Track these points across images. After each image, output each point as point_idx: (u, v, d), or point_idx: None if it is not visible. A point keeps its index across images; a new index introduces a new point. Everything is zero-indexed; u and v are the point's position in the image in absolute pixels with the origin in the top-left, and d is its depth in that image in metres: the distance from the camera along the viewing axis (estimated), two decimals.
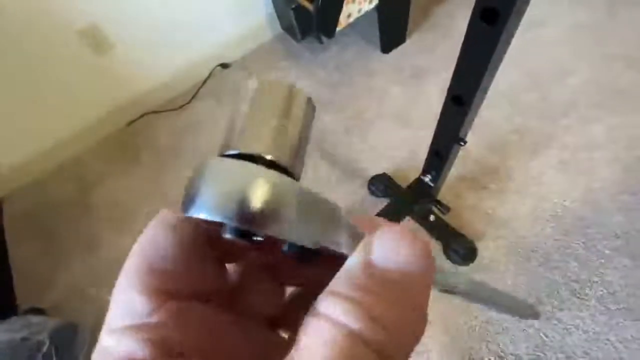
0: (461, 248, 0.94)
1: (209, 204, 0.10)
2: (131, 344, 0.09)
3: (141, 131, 1.46)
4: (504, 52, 0.46)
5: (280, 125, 0.12)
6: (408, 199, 0.94)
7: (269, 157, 0.11)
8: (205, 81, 1.53)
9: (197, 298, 0.11)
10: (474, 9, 0.41)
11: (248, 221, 0.10)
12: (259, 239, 0.11)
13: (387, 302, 0.09)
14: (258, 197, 0.10)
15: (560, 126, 1.12)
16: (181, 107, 1.48)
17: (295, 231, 0.10)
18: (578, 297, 0.87)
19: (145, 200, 1.27)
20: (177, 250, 0.11)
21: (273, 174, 0.10)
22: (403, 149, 1.17)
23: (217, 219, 0.10)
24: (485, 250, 0.96)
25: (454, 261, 0.95)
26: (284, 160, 0.12)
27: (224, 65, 1.56)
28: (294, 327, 0.13)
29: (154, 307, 0.10)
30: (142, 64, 1.38)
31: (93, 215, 1.28)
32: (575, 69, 1.21)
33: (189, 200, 0.11)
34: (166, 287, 0.11)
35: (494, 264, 0.94)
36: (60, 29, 1.14)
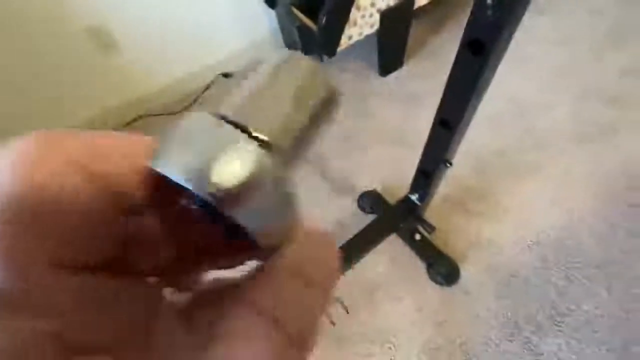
0: (444, 269, 0.95)
1: (182, 163, 0.08)
2: None
3: (139, 133, 1.47)
4: (489, 80, 0.50)
5: (293, 109, 0.10)
6: (395, 216, 0.96)
7: (266, 138, 0.09)
8: (206, 89, 1.57)
9: (82, 267, 0.09)
10: (462, 39, 0.45)
11: (220, 197, 0.08)
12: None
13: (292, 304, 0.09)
14: (242, 174, 0.08)
15: (544, 155, 1.16)
16: (180, 112, 1.50)
17: (256, 221, 0.09)
18: (555, 324, 0.88)
19: None
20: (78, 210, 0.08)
21: (267, 156, 0.09)
22: (394, 167, 1.21)
23: (186, 183, 0.08)
24: (468, 272, 0.98)
25: (436, 281, 0.96)
26: (282, 150, 0.10)
27: (226, 75, 1.59)
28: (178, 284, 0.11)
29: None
30: (144, 67, 1.41)
31: None
32: (559, 103, 1.28)
33: (159, 151, 0.09)
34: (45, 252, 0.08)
35: (475, 287, 0.96)
36: (68, 23, 1.16)
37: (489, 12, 0.40)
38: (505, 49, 0.45)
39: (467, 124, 0.59)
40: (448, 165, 0.68)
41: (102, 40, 1.24)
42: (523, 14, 0.40)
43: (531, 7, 1.25)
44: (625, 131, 1.18)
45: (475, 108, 0.55)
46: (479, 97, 0.52)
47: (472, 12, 0.42)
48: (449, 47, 1.51)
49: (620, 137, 1.17)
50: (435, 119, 0.60)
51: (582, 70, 1.36)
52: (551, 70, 1.38)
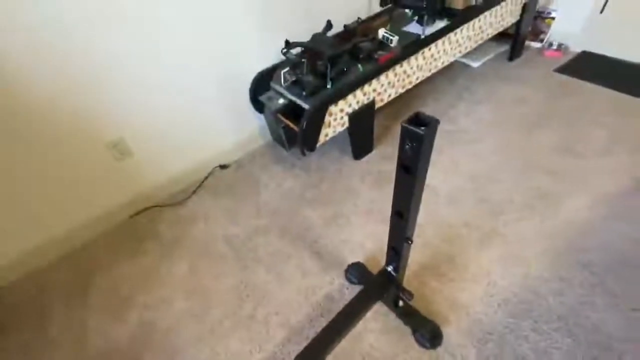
0: (428, 332, 1.06)
1: None
2: None
3: (143, 223, 1.62)
4: (422, 187, 0.70)
5: None
6: (378, 286, 1.09)
7: None
8: (204, 179, 1.78)
9: None
10: (397, 164, 0.66)
11: None
12: None
13: None
14: None
15: (499, 222, 1.36)
16: (182, 202, 1.69)
17: None
18: None
19: (140, 289, 1.36)
20: None
21: None
22: (374, 240, 1.37)
23: None
24: (449, 333, 1.08)
25: (422, 344, 1.06)
26: None
27: (223, 166, 1.83)
28: None
29: None
30: (152, 167, 1.62)
31: (88, 303, 1.34)
32: (507, 176, 1.53)
33: None
34: None
35: (457, 347, 1.05)
36: (91, 140, 1.39)
37: (409, 151, 0.62)
38: (425, 168, 0.66)
39: (416, 213, 0.78)
40: (410, 242, 0.85)
41: (119, 150, 1.47)
42: (430, 152, 0.62)
43: (471, 98, 1.65)
44: (564, 194, 1.42)
45: (418, 203, 0.75)
46: (419, 197, 0.72)
47: (399, 147, 0.64)
48: None
49: (559, 202, 1.40)
50: (392, 210, 0.79)
51: (520, 147, 1.66)
52: (495, 149, 1.67)
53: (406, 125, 0.59)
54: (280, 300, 1.24)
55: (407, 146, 0.61)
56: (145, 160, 1.58)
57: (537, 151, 1.62)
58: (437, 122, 0.60)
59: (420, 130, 0.58)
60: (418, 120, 0.60)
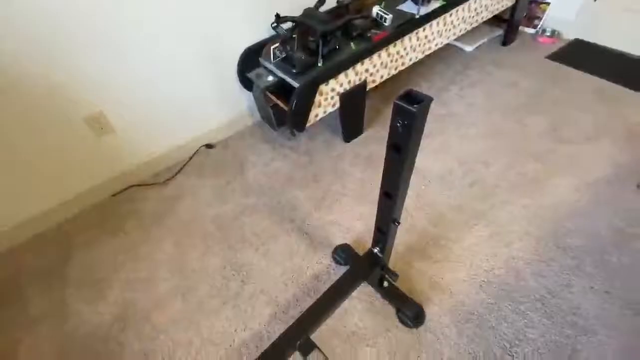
0: (411, 312, 1.08)
1: None
2: None
3: (125, 202, 1.58)
4: (411, 167, 0.69)
5: None
6: (364, 267, 1.10)
7: None
8: (190, 159, 1.73)
9: None
10: (387, 143, 0.65)
11: None
12: None
13: None
14: None
15: (486, 205, 1.38)
16: (166, 181, 1.64)
17: None
18: (509, 354, 1.01)
19: (120, 268, 1.33)
20: None
21: None
22: (361, 222, 1.37)
23: None
24: (432, 313, 1.11)
25: (405, 323, 1.08)
26: None
27: (209, 146, 1.78)
28: None
29: None
30: (135, 144, 1.56)
31: (67, 282, 1.31)
32: (495, 160, 1.54)
33: None
34: None
35: (439, 326, 1.08)
36: (68, 114, 1.32)
37: (400, 129, 0.60)
38: (416, 147, 0.65)
39: (404, 194, 0.77)
40: (397, 224, 0.85)
41: (100, 125, 1.40)
42: (422, 131, 0.61)
43: (464, 82, 1.62)
44: (548, 183, 1.44)
45: (407, 184, 0.74)
46: (407, 178, 0.71)
47: (390, 126, 0.62)
48: None
49: (546, 186, 1.42)
50: (380, 191, 0.78)
51: (509, 131, 1.66)
52: (486, 132, 1.67)
53: (398, 102, 0.57)
54: (266, 280, 1.24)
55: (398, 124, 0.60)
56: (128, 138, 1.52)
57: (526, 136, 1.63)
58: (430, 99, 0.58)
59: (413, 108, 0.56)
60: (411, 97, 0.58)
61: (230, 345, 1.09)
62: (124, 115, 1.45)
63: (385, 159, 0.69)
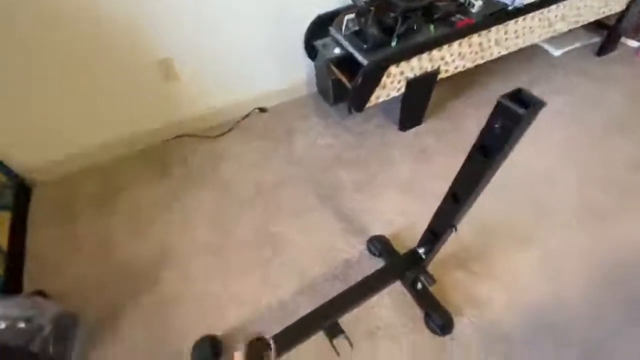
0: (440, 319, 1.04)
1: None
2: None
3: (175, 149, 1.63)
4: (493, 173, 0.62)
5: None
6: (402, 266, 1.06)
7: None
8: (242, 119, 1.73)
9: None
10: (475, 142, 0.58)
11: None
12: None
13: None
14: None
15: (543, 228, 1.27)
16: (217, 137, 1.66)
17: None
18: None
19: (163, 211, 1.39)
20: None
21: None
22: (403, 217, 1.32)
23: None
24: (461, 325, 1.06)
25: (431, 329, 1.05)
26: None
27: (262, 109, 1.77)
28: None
29: None
30: (195, 95, 1.58)
31: (114, 215, 1.39)
32: (563, 181, 1.40)
33: None
34: None
35: (466, 339, 1.03)
36: (142, 55, 1.35)
37: (497, 131, 0.53)
38: (507, 154, 0.58)
39: (474, 200, 0.71)
40: (454, 230, 0.79)
41: (167, 70, 1.43)
42: (522, 134, 0.54)
43: (546, 88, 1.45)
44: (622, 219, 1.28)
45: (481, 190, 0.67)
46: (485, 184, 0.65)
47: (485, 125, 0.55)
48: (464, 111, 1.68)
49: (613, 223, 1.27)
50: (448, 192, 0.72)
51: (589, 151, 1.49)
52: (561, 147, 1.51)
53: (505, 101, 0.50)
54: (299, 253, 1.24)
55: (496, 125, 0.53)
56: (189, 88, 1.54)
57: (606, 161, 1.46)
58: (542, 104, 0.51)
59: (521, 111, 0.49)
60: (520, 97, 0.51)
61: (256, 307, 1.12)
62: (189, 65, 1.46)
63: (466, 159, 0.62)
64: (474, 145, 0.59)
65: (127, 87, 1.43)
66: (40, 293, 1.16)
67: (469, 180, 0.64)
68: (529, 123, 0.52)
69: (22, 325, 0.98)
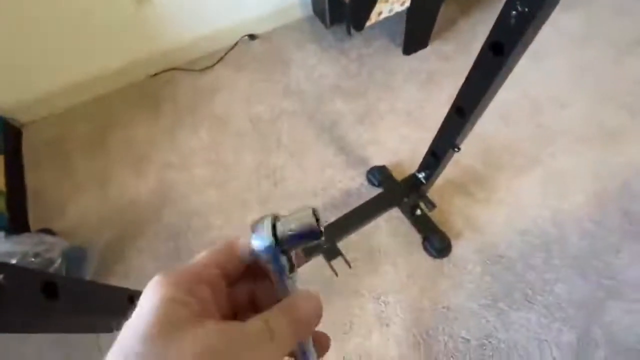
0: (438, 243, 1.05)
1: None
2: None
3: (164, 84, 1.53)
4: (505, 78, 0.56)
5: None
6: (400, 192, 1.04)
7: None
8: (231, 48, 1.60)
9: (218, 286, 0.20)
10: (486, 40, 0.50)
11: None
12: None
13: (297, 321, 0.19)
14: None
15: (548, 152, 1.22)
16: (205, 69, 1.55)
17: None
18: (528, 301, 0.99)
19: (158, 148, 1.35)
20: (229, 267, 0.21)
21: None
22: (406, 145, 1.27)
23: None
24: (459, 248, 1.08)
25: (429, 253, 1.07)
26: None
27: (252, 37, 1.62)
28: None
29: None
30: (175, 22, 1.43)
31: (108, 154, 1.36)
32: (575, 102, 1.31)
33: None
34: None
35: (463, 262, 1.06)
36: None
37: (512, 21, 0.45)
38: (522, 52, 0.50)
39: (480, 114, 0.65)
40: (457, 150, 0.75)
41: None
42: (542, 24, 0.46)
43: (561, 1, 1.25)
44: (632, 139, 1.22)
45: (489, 100, 0.61)
46: (494, 92, 0.58)
47: (498, 17, 0.47)
48: (475, 31, 1.52)
49: (626, 144, 1.21)
50: (451, 106, 0.66)
51: (601, 72, 1.37)
52: (570, 68, 1.39)
53: None
54: (298, 186, 1.23)
55: (513, 12, 0.45)
56: (166, 12, 1.38)
57: (622, 80, 1.35)
58: None
59: None
60: None
61: None
62: None
63: (475, 61, 0.55)
64: (485, 42, 0.51)
65: (100, 14, 1.28)
66: (48, 231, 1.19)
67: (477, 87, 0.58)
68: (550, 10, 0.44)
69: (32, 259, 1.02)
